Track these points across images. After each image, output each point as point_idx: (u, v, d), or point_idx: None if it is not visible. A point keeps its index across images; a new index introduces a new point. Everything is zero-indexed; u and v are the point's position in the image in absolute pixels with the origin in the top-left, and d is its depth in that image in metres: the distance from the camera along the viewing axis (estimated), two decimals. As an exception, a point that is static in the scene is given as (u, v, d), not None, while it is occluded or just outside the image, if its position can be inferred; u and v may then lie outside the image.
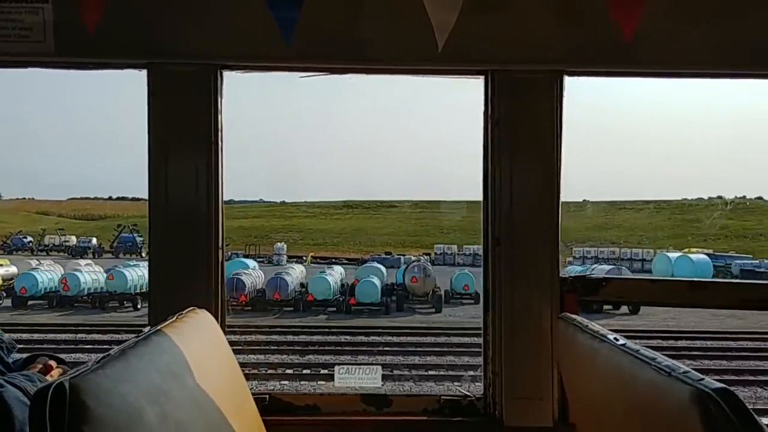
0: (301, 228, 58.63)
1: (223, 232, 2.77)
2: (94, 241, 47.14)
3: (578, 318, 2.31)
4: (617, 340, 1.83)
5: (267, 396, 2.81)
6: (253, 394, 2.41)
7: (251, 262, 33.15)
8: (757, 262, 39.01)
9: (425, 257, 46.90)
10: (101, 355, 1.47)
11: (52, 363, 2.20)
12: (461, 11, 2.30)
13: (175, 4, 2.69)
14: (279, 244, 44.72)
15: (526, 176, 2.76)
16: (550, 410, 2.74)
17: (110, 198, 73.58)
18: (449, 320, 23.85)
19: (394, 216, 61.04)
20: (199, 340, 2.08)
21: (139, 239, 43.44)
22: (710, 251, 41.22)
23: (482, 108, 2.81)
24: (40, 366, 2.16)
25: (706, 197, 60.83)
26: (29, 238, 47.01)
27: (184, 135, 2.71)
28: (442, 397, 2.87)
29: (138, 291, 25.82)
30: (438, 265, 44.38)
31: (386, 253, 46.58)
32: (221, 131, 2.75)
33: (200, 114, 2.70)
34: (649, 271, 37.22)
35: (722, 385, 1.33)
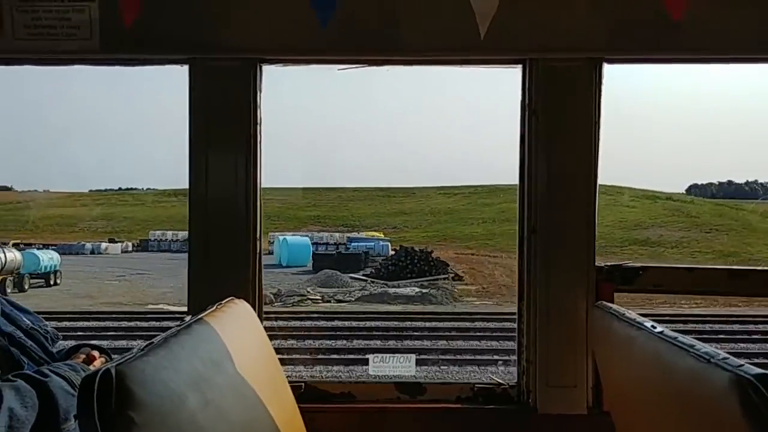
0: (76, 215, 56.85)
1: (261, 224, 2.81)
2: None
3: (614, 306, 2.30)
4: (654, 327, 1.81)
5: (302, 384, 2.85)
6: (289, 382, 2.43)
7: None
8: (372, 244, 40.01)
9: (132, 243, 46.23)
10: (145, 343, 1.49)
11: (95, 353, 2.22)
12: None
13: (215, 0, 2.73)
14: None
15: (563, 165, 2.73)
16: (585, 398, 2.74)
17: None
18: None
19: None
20: (239, 329, 2.11)
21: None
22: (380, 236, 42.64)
23: (519, 97, 2.79)
24: (83, 356, 2.18)
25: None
26: None
27: (224, 129, 2.75)
28: (476, 385, 2.88)
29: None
30: (152, 251, 43.72)
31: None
32: (260, 125, 2.78)
33: (240, 108, 2.73)
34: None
35: (762, 371, 1.32)
